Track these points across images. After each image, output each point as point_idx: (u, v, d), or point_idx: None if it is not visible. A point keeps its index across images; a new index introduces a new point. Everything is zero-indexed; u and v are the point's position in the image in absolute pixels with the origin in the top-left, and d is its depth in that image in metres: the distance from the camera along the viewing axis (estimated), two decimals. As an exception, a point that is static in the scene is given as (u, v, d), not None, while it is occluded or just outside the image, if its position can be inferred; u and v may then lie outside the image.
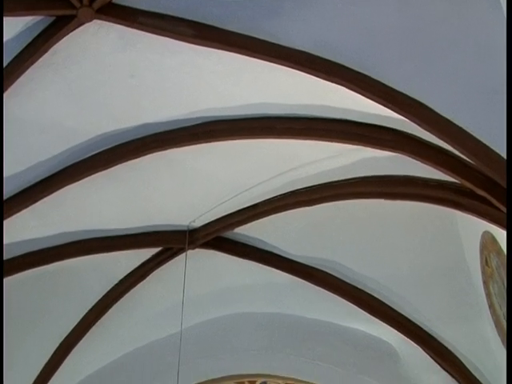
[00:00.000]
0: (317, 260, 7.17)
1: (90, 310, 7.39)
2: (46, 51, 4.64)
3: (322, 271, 7.20)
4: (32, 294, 7.13)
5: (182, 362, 6.72)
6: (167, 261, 7.23)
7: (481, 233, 5.73)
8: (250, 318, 8.16)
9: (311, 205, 6.42)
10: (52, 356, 7.57)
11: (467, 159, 4.54)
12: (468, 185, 4.93)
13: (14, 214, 5.78)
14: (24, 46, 4.62)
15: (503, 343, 6.12)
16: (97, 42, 4.75)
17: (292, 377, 7.94)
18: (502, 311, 5.88)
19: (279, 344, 8.06)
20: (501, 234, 5.22)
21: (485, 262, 5.94)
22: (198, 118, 5.47)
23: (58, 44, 4.62)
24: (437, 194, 5.57)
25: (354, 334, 7.74)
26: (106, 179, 5.91)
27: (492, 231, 5.47)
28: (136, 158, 5.69)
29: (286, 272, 7.30)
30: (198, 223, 6.95)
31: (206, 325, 8.07)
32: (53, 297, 7.27)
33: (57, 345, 7.54)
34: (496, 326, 6.24)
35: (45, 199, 5.86)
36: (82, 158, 5.67)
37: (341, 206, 6.42)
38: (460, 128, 4.21)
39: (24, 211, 5.84)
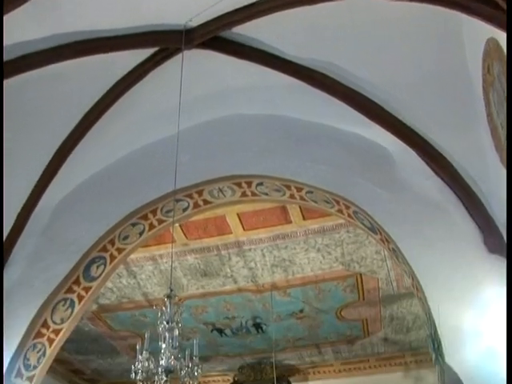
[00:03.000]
0: (315, 61, 7.20)
1: (87, 113, 7.63)
2: None
3: (320, 73, 7.26)
4: (27, 99, 7.27)
5: (179, 163, 6.99)
6: (163, 62, 7.30)
7: (485, 39, 5.69)
8: (248, 120, 8.42)
9: (312, 3, 6.33)
10: (51, 160, 7.98)
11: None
12: (476, -15, 4.86)
13: (5, 14, 5.71)
14: None
15: (497, 151, 6.35)
16: None
17: (288, 178, 8.25)
18: (500, 120, 6.01)
19: (276, 146, 8.36)
20: (505, 41, 5.20)
21: (487, 70, 5.94)
22: None
23: None
24: (444, -4, 5.48)
25: (351, 136, 7.99)
26: (100, -22, 5.81)
27: (497, 38, 5.44)
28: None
29: (284, 73, 7.37)
30: (195, 22, 6.89)
31: (203, 126, 8.36)
32: (49, 101, 7.42)
33: (55, 149, 7.90)
34: (492, 136, 6.39)
35: (37, -1, 5.80)
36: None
37: (342, 6, 6.31)
38: None
39: (16, 11, 5.75)
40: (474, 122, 6.77)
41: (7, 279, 8.23)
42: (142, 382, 6.47)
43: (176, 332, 6.55)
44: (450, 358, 6.66)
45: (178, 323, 6.60)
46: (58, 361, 18.11)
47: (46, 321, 8.36)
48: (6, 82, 6.70)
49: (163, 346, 6.49)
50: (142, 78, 7.43)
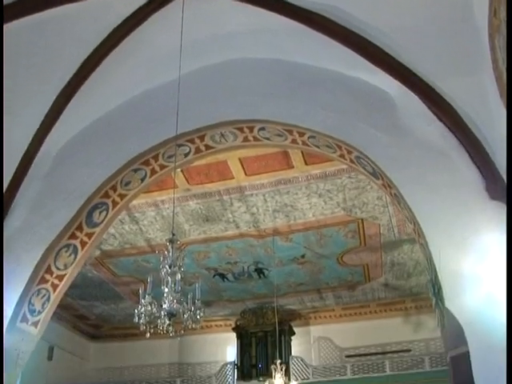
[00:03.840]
0: (318, 5, 7.06)
1: (89, 56, 7.55)
2: None
3: (323, 16, 7.14)
4: (29, 42, 7.21)
5: (180, 107, 7.00)
6: (164, 5, 7.19)
7: (493, -18, 5.63)
8: (250, 64, 8.34)
9: None
10: (51, 106, 7.93)
11: None
12: None
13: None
14: None
15: (501, 97, 6.30)
16: None
17: (291, 123, 8.23)
18: (505, 66, 5.94)
19: (279, 90, 8.30)
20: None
21: (493, 14, 5.86)
22: None
23: None
24: None
25: (354, 81, 7.90)
26: None
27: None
28: None
29: (287, 17, 7.25)
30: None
31: (204, 71, 8.29)
32: (50, 45, 7.36)
33: (56, 94, 7.85)
34: (497, 82, 6.34)
35: None
36: None
37: None
38: None
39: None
40: (479, 68, 6.71)
41: (10, 226, 8.30)
42: (145, 325, 6.58)
43: (178, 276, 6.65)
44: (450, 303, 6.78)
45: (180, 267, 6.69)
46: (63, 307, 18.50)
47: (49, 267, 8.49)
48: (6, 27, 6.63)
49: (166, 290, 6.59)
50: (143, 21, 7.31)
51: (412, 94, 7.37)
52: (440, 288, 6.93)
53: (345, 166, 11.12)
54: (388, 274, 18.39)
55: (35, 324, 8.51)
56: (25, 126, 7.99)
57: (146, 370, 22.81)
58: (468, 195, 7.14)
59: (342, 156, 8.38)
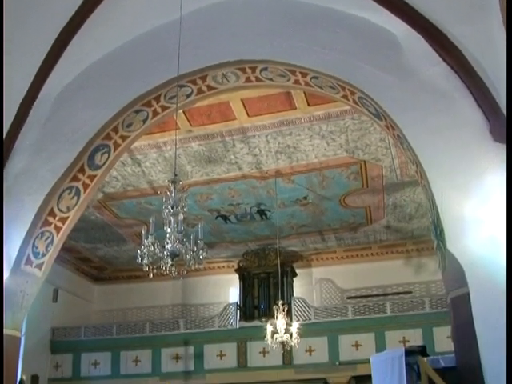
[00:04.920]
0: None
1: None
2: None
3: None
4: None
5: (182, 48, 6.95)
6: None
7: None
8: (252, 4, 8.22)
9: None
10: (51, 48, 7.84)
11: None
12: None
13: None
14: None
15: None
16: None
17: (293, 63, 8.16)
18: None
19: (282, 30, 8.19)
20: None
21: None
22: None
23: None
24: None
25: (358, 21, 7.77)
26: None
27: None
28: None
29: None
30: None
31: (206, 10, 8.17)
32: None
33: (55, 36, 7.75)
34: (503, 24, 6.28)
35: None
36: None
37: None
38: None
39: None
40: (485, 7, 6.62)
41: (11, 169, 8.36)
42: (148, 266, 6.66)
43: (181, 216, 6.69)
44: (452, 245, 6.85)
45: (182, 207, 6.74)
46: (66, 249, 18.71)
47: (52, 209, 8.58)
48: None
49: (168, 230, 6.65)
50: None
51: (417, 34, 7.26)
52: (442, 230, 6.99)
53: (348, 108, 11.07)
54: (390, 216, 18.48)
55: (39, 266, 8.64)
56: (24, 68, 7.93)
57: (149, 311, 23.21)
58: (472, 137, 7.12)
59: (345, 97, 8.33)
